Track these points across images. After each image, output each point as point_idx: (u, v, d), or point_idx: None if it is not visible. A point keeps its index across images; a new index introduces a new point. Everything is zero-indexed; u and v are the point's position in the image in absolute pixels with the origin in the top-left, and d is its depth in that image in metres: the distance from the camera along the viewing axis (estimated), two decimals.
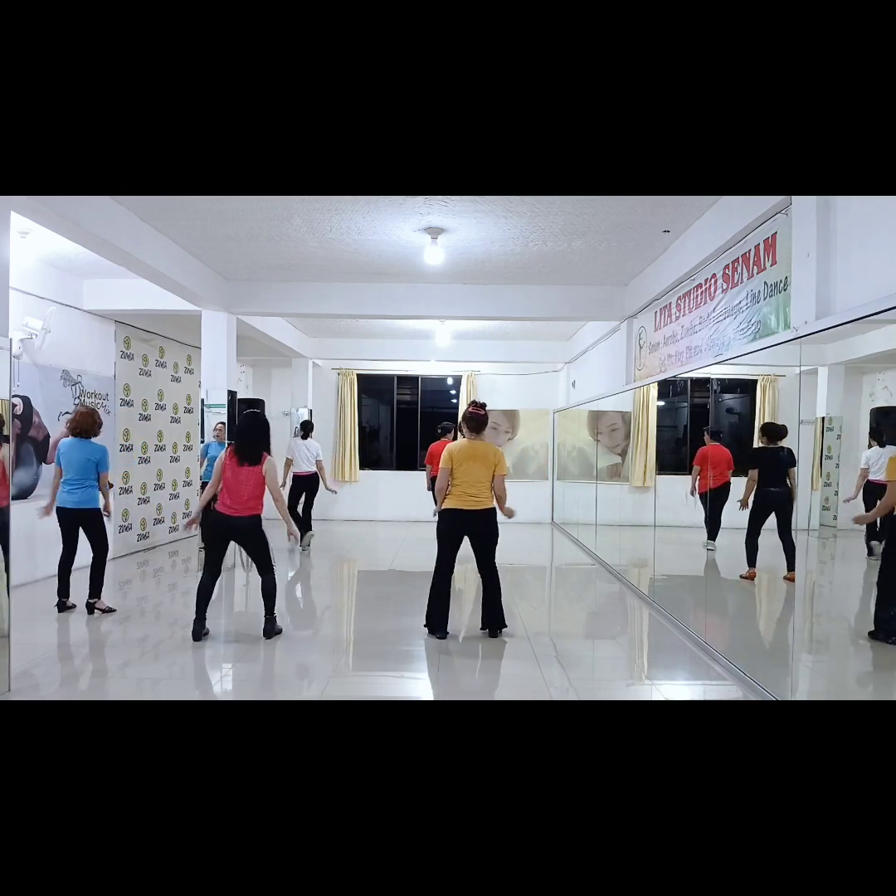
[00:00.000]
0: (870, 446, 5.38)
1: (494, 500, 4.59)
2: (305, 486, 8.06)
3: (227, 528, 4.49)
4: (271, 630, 4.52)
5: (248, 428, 4.59)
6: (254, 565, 4.65)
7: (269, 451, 4.60)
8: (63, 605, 5.09)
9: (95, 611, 5.05)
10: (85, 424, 5.00)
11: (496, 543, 4.65)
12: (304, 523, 8.06)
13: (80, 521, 5.03)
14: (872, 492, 5.24)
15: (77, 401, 6.73)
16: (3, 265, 3.55)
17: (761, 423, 6.81)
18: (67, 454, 4.97)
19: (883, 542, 4.13)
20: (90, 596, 5.06)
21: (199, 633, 4.44)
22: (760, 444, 5.33)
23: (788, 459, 5.09)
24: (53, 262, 6.24)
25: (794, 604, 4.09)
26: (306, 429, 8.31)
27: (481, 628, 4.71)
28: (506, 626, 4.69)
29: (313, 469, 8.06)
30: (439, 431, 8.18)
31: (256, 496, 4.49)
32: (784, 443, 5.22)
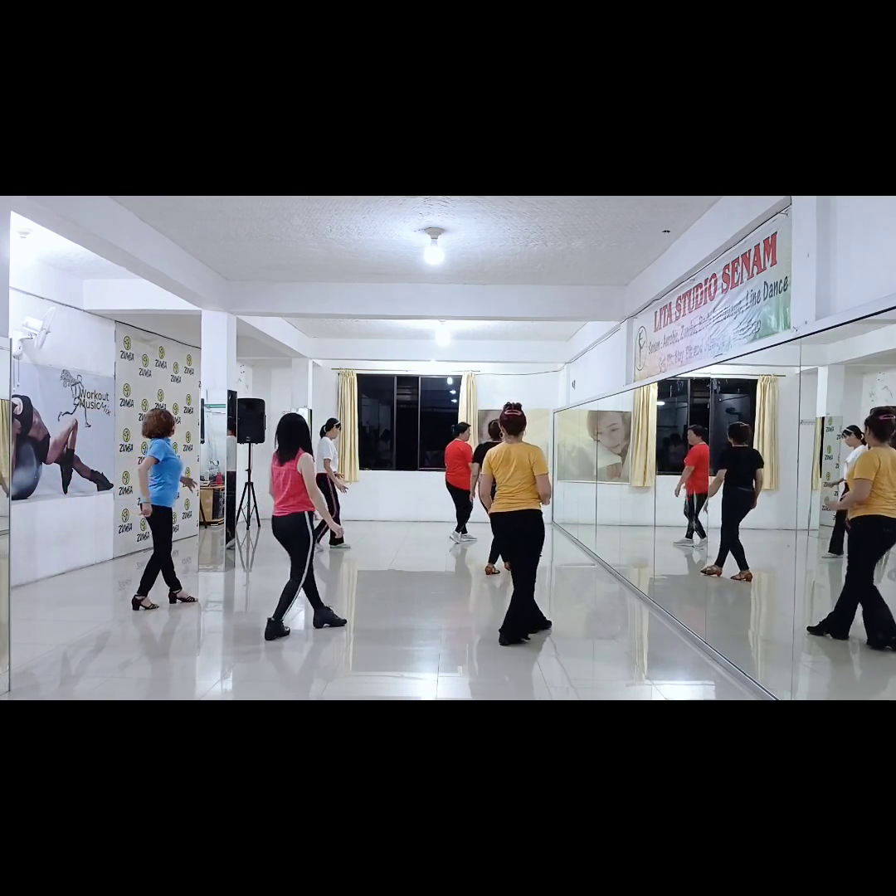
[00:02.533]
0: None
1: (537, 501, 4.43)
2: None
3: (273, 529, 4.61)
4: (272, 632, 4.47)
5: (283, 427, 4.63)
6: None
7: (308, 449, 4.61)
8: (175, 597, 5.31)
9: (141, 606, 5.18)
10: (166, 425, 5.21)
11: (535, 547, 4.49)
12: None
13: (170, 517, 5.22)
14: None
15: (77, 401, 6.73)
16: (3, 265, 3.55)
17: (761, 422, 6.89)
18: (174, 456, 5.17)
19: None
20: (140, 592, 5.19)
21: (335, 618, 4.74)
22: (737, 445, 5.40)
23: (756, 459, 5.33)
24: (53, 262, 6.24)
25: (794, 604, 4.09)
26: (328, 426, 8.21)
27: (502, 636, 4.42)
28: (521, 642, 4.40)
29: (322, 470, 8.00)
30: (454, 431, 8.14)
31: (294, 494, 4.46)
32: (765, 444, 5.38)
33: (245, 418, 8.18)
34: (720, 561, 5.42)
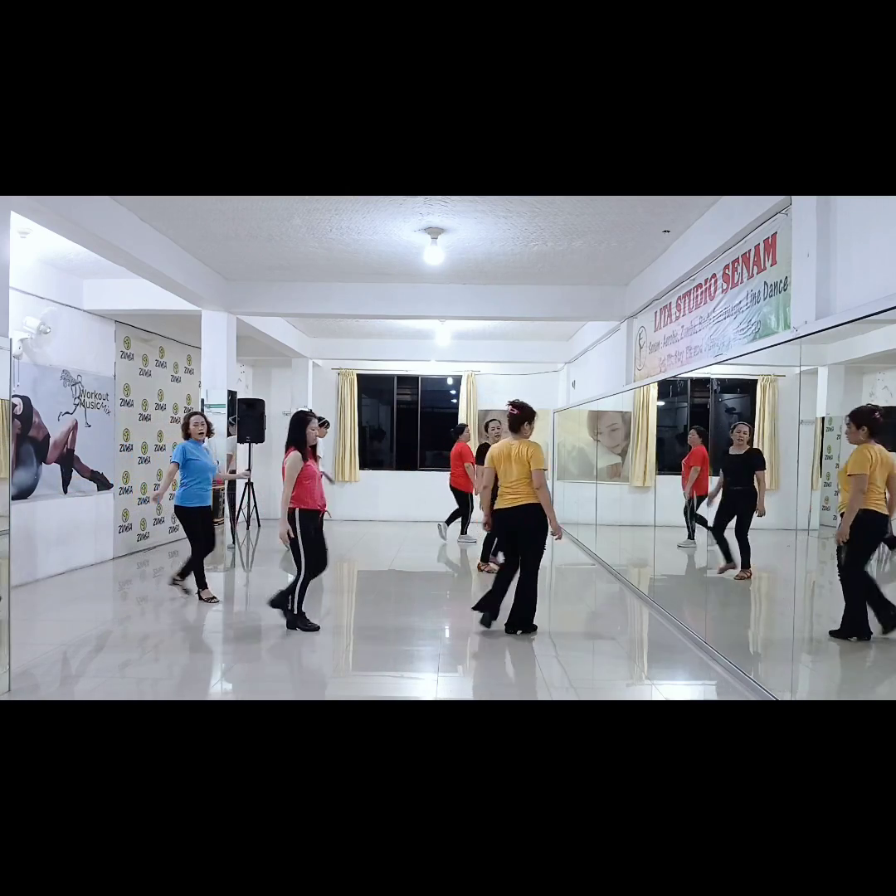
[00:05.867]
0: None
1: (538, 496, 4.45)
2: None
3: (320, 523, 4.79)
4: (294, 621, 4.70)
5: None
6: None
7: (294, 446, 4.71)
8: (199, 595, 5.48)
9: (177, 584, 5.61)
10: (184, 427, 5.45)
11: (536, 541, 4.52)
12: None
13: (209, 517, 5.51)
14: None
15: (77, 401, 6.73)
16: (3, 265, 3.55)
17: (761, 422, 6.89)
18: (198, 458, 5.34)
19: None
20: (180, 574, 5.61)
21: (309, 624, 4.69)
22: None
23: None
24: (53, 262, 6.24)
25: (794, 604, 4.09)
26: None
27: (506, 625, 4.60)
28: (529, 631, 4.57)
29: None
30: (452, 434, 8.17)
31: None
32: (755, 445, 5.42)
33: (245, 418, 8.18)
34: (743, 563, 5.43)
